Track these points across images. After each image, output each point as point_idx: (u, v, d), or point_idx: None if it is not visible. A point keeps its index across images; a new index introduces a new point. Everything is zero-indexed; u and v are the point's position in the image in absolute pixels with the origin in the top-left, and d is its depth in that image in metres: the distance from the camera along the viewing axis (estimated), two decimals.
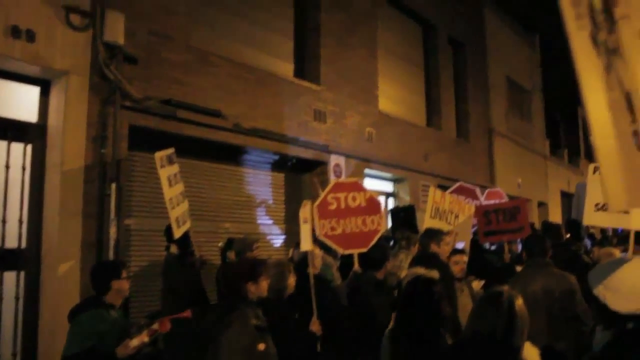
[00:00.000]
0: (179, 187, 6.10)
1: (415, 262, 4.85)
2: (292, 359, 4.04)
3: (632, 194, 1.80)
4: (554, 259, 5.35)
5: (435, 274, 3.44)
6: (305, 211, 5.32)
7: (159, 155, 5.82)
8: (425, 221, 7.16)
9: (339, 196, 6.33)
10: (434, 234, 5.70)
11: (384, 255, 5.25)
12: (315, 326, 4.48)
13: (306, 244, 5.13)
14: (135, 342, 3.97)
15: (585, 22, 1.75)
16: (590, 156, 29.98)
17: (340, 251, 6.23)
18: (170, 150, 6.07)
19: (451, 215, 7.60)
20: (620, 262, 2.27)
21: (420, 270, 3.55)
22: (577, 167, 24.04)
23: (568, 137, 25.35)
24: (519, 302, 2.74)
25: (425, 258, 4.87)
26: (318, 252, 5.39)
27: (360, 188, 6.58)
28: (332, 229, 6.19)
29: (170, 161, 5.99)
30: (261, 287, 3.81)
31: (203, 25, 8.15)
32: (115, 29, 6.60)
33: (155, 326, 4.07)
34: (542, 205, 19.92)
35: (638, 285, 2.14)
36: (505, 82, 18.41)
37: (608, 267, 2.30)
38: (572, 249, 6.76)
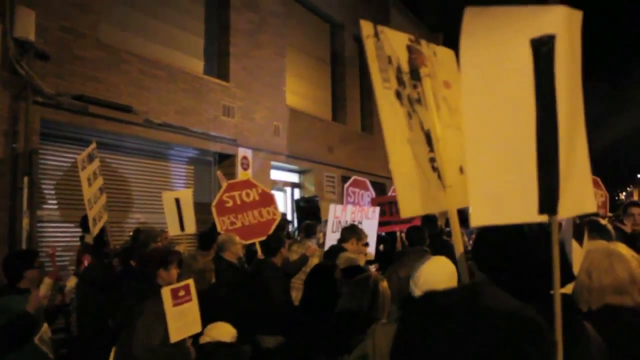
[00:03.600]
0: (98, 182, 6.37)
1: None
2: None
3: (427, 203, 2.43)
4: (430, 247, 6.17)
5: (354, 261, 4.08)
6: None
7: (80, 157, 6.12)
8: (327, 236, 7.53)
9: (233, 194, 6.97)
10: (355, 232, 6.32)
11: (279, 243, 5.92)
12: None
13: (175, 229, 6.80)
14: (41, 291, 4.33)
15: (391, 83, 2.37)
16: None
17: (243, 242, 6.81)
18: (92, 147, 6.34)
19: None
20: (425, 261, 3.04)
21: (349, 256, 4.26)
22: None
23: None
24: (383, 284, 3.46)
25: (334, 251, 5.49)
26: (239, 239, 5.96)
27: (251, 185, 7.23)
28: (232, 223, 6.82)
29: (90, 159, 6.27)
30: (171, 275, 4.30)
31: (114, 22, 8.39)
32: (26, 25, 6.76)
33: (47, 279, 4.45)
34: None
35: (429, 278, 2.87)
36: None
37: (419, 263, 3.06)
38: (444, 238, 7.62)
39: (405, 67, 2.41)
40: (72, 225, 7.16)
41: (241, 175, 10.11)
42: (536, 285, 1.80)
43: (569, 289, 2.38)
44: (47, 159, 7.25)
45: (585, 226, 2.71)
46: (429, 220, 9.33)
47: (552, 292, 1.72)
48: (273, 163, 11.55)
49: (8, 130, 6.58)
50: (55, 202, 7.35)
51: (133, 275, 5.49)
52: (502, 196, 1.69)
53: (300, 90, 13.26)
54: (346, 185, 9.49)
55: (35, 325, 4.31)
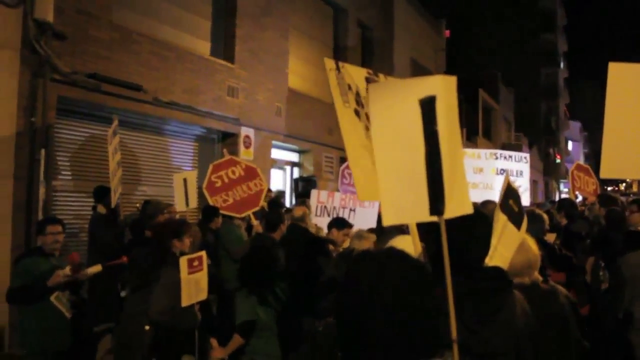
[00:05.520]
0: (118, 157, 6.91)
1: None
2: None
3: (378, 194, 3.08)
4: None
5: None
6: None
7: (109, 132, 6.64)
8: (313, 219, 7.62)
9: (220, 174, 7.47)
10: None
11: (279, 219, 6.39)
12: None
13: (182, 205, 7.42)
14: (61, 273, 4.84)
15: (350, 103, 3.02)
16: (488, 135, 32.52)
17: (239, 216, 7.31)
18: (115, 124, 6.85)
19: (343, 211, 8.13)
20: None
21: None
22: (475, 144, 26.25)
23: (468, 117, 27.49)
24: None
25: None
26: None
27: (235, 162, 7.71)
28: (225, 201, 7.31)
29: (114, 134, 6.81)
30: (184, 244, 4.82)
31: (126, 4, 8.81)
32: (45, 7, 7.18)
33: (68, 270, 4.94)
34: None
35: None
36: (410, 64, 19.88)
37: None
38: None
39: (363, 92, 3.12)
40: (84, 195, 7.66)
41: (243, 153, 10.61)
42: (470, 257, 2.42)
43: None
44: (62, 133, 7.73)
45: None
46: None
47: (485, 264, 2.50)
48: (274, 142, 12.04)
49: (27, 105, 7.04)
50: (69, 173, 7.86)
51: (141, 244, 6.02)
52: (403, 203, 2.33)
53: (302, 72, 13.69)
54: (342, 167, 9.93)
55: (50, 290, 4.84)
